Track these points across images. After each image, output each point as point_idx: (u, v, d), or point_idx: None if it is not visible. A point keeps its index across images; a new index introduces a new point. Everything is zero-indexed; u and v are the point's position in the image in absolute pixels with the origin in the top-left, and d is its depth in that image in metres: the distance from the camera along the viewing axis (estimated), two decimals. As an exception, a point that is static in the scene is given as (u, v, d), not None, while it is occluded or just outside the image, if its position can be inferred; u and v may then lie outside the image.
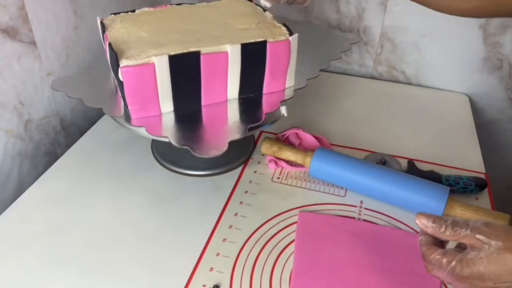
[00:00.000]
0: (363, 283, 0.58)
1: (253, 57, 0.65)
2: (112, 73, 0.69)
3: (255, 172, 0.76)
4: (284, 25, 0.69)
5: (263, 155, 0.78)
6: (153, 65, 0.60)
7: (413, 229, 0.66)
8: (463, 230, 0.45)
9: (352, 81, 1.06)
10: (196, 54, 0.62)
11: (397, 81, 1.07)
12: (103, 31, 0.67)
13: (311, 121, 0.89)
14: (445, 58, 1.00)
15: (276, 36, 0.66)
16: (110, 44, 0.62)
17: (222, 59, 0.64)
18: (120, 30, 0.67)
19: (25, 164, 0.77)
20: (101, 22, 0.69)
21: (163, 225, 0.66)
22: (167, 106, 0.65)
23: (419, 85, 1.05)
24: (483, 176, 0.75)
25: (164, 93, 0.64)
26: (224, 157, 0.76)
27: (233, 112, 0.68)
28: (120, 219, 0.67)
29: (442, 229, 0.47)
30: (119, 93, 0.67)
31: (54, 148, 0.83)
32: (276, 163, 0.77)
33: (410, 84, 1.06)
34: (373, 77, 1.08)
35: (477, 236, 0.44)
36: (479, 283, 0.43)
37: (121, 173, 0.76)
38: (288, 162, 0.77)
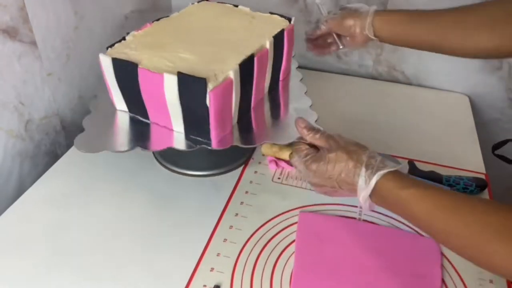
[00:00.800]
0: (363, 283, 0.58)
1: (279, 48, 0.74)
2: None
3: (255, 172, 0.76)
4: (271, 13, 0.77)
5: (263, 155, 0.78)
6: (231, 80, 0.60)
7: (414, 230, 0.66)
8: (317, 135, 0.57)
9: (352, 81, 1.06)
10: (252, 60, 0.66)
11: (397, 81, 1.07)
12: (124, 66, 0.62)
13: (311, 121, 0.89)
14: (445, 58, 0.99)
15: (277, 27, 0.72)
16: (181, 73, 0.58)
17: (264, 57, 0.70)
18: (152, 58, 0.63)
19: (25, 164, 0.77)
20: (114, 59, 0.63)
21: (163, 225, 0.66)
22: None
23: (419, 85, 1.06)
24: (483, 176, 0.75)
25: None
26: (225, 158, 0.76)
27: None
28: (121, 219, 0.67)
29: (307, 133, 0.58)
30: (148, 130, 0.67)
31: (54, 148, 0.83)
32: (276, 163, 0.77)
33: (410, 84, 1.06)
34: (373, 77, 1.08)
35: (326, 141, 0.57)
36: (324, 174, 0.55)
37: (122, 173, 0.76)
38: (289, 162, 0.77)
